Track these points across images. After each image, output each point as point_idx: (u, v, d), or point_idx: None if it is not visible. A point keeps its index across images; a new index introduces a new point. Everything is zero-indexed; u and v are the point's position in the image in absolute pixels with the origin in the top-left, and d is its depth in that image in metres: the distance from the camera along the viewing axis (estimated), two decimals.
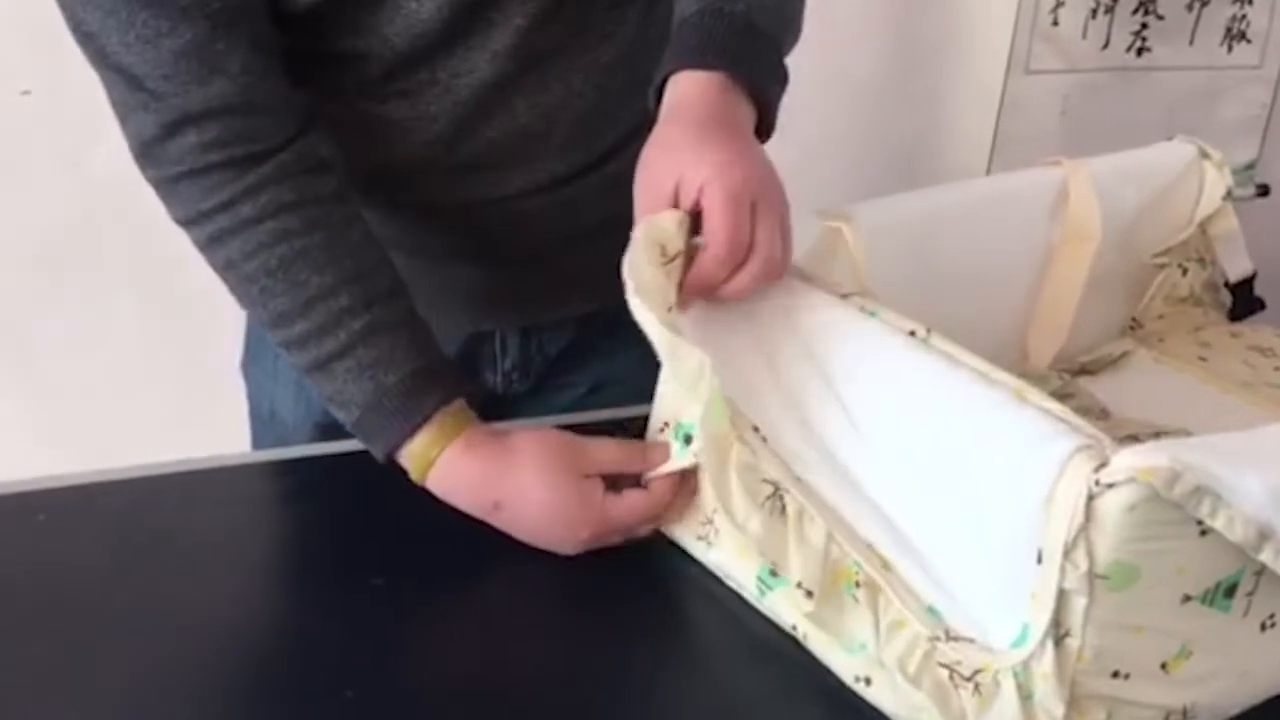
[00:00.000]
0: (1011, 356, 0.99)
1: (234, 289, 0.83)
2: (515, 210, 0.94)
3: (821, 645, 0.72)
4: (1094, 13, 1.88)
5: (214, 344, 1.40)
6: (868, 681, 0.69)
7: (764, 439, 0.76)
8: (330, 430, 1.01)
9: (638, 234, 0.74)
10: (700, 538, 0.80)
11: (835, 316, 0.75)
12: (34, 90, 1.54)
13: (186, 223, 0.82)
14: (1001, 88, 1.86)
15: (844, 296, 0.75)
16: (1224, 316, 1.10)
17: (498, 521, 0.81)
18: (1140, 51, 1.93)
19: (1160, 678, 0.64)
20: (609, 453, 0.80)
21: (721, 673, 0.76)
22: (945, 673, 0.66)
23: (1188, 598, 0.62)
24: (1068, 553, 0.59)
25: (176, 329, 1.68)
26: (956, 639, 0.66)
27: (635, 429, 0.85)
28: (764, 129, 0.81)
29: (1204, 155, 1.05)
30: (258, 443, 1.10)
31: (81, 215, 1.61)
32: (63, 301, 1.67)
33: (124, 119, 0.81)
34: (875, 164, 1.91)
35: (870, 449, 0.72)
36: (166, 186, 0.81)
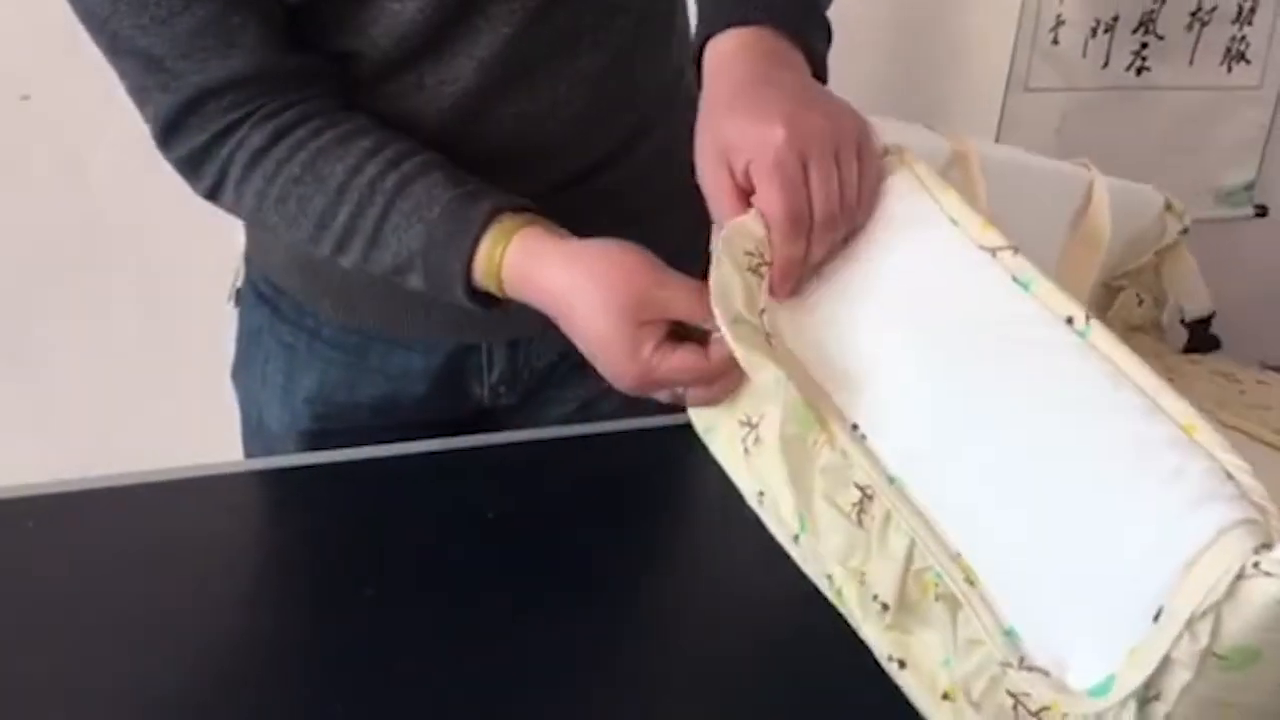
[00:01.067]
0: None
1: (274, 221, 0.82)
2: None
3: (855, 604, 0.67)
4: (1094, 31, 1.88)
5: (213, 349, 1.40)
6: (901, 665, 0.65)
7: (864, 435, 0.68)
8: (314, 437, 1.02)
9: (719, 241, 0.69)
10: (742, 440, 0.73)
11: (981, 283, 0.65)
12: (34, 95, 1.54)
13: (217, 183, 0.82)
14: (1001, 105, 1.86)
15: (994, 252, 0.66)
16: (1174, 350, 1.08)
17: (566, 330, 0.77)
18: (1140, 71, 1.94)
19: None
20: (681, 302, 0.73)
21: (717, 683, 0.76)
22: (1010, 701, 0.62)
23: None
24: (1191, 624, 0.55)
25: (175, 334, 1.68)
26: (1031, 669, 0.61)
27: (628, 443, 0.85)
28: (816, 72, 0.78)
29: (1168, 207, 1.02)
30: (248, 451, 1.10)
31: (80, 220, 1.61)
32: (61, 307, 1.66)
33: (143, 104, 0.81)
34: None
35: (997, 449, 0.64)
36: (194, 160, 0.82)
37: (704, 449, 0.93)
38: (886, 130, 0.74)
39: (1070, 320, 0.64)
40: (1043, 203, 0.91)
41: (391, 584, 0.81)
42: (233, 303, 1.09)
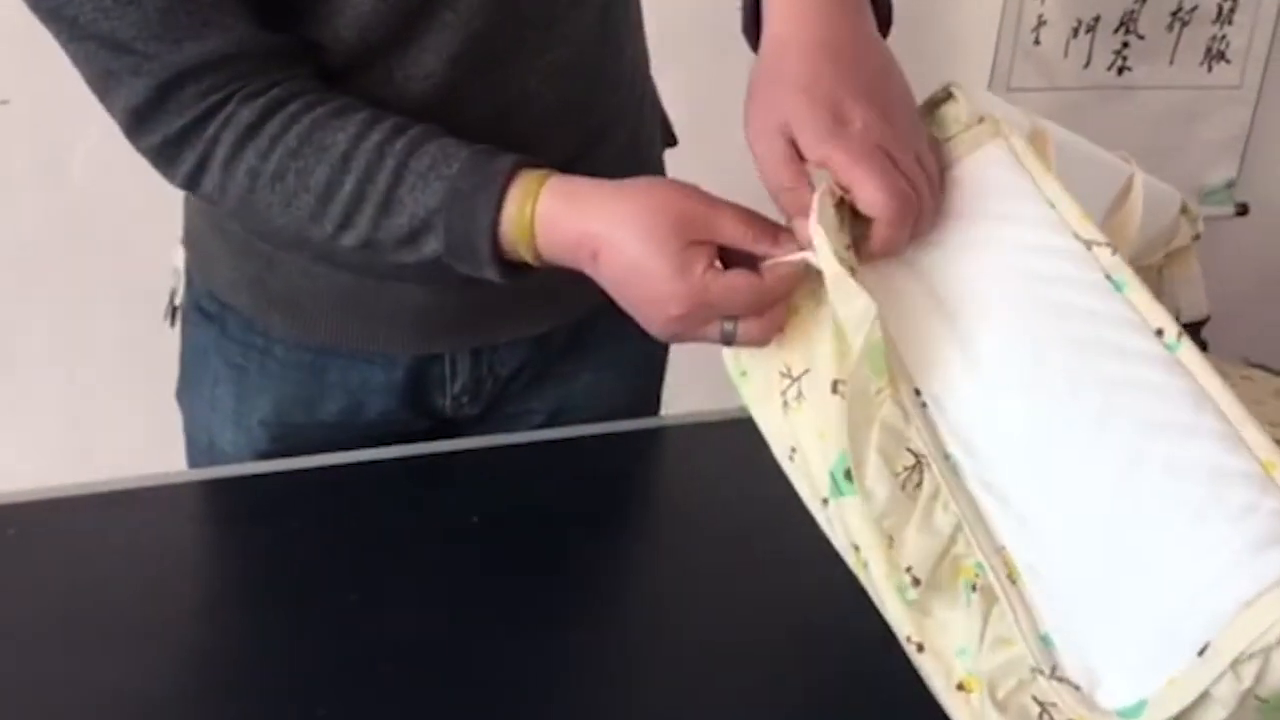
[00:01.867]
0: None
1: (270, 200, 0.78)
2: None
3: (881, 578, 0.64)
4: (1075, 32, 1.89)
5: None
6: (920, 648, 0.63)
7: (924, 404, 0.65)
8: (271, 459, 0.98)
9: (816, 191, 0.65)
10: (781, 393, 0.69)
11: (1074, 277, 0.63)
12: (13, 100, 1.53)
13: (199, 167, 0.77)
14: None
15: (1090, 244, 0.63)
16: None
17: (597, 275, 0.72)
18: (1121, 70, 1.95)
19: None
20: (731, 224, 0.68)
21: (704, 683, 0.76)
22: (1036, 709, 0.61)
23: None
24: (1237, 664, 0.54)
25: (156, 339, 1.67)
26: (1062, 680, 0.60)
27: (612, 446, 0.85)
28: (881, 22, 0.75)
29: (1184, 211, 1.02)
30: None
31: (61, 225, 1.60)
32: (41, 312, 1.65)
33: (108, 91, 0.76)
34: None
35: (1067, 451, 0.62)
36: (171, 146, 0.77)
37: (691, 450, 0.94)
38: (974, 99, 0.72)
39: (1160, 332, 0.62)
40: (1085, 189, 0.88)
41: (376, 588, 0.80)
42: (169, 320, 1.04)
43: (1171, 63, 1.97)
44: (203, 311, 0.99)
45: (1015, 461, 0.63)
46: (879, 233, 0.66)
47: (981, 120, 0.70)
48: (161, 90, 0.75)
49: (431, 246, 0.76)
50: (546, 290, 0.89)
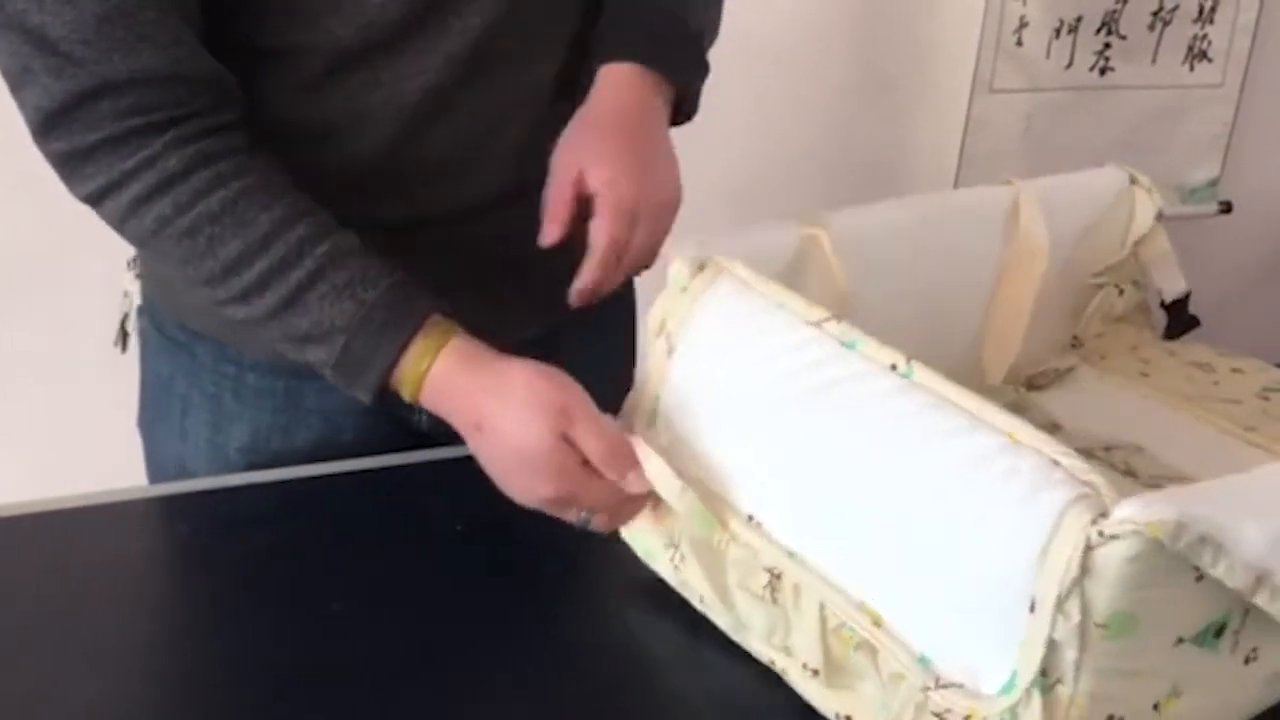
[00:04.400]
0: (967, 371, 1.00)
1: (170, 250, 0.77)
2: (452, 233, 0.92)
3: (796, 677, 0.73)
4: (1057, 32, 1.89)
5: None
6: (848, 719, 0.70)
7: (759, 524, 0.75)
8: None
9: (628, 403, 0.81)
10: (670, 560, 0.80)
11: (815, 355, 0.73)
12: None
13: (103, 191, 0.76)
14: (966, 107, 1.87)
15: (819, 324, 0.73)
16: (1156, 336, 1.11)
17: (475, 445, 0.78)
18: (1103, 71, 1.95)
19: (1152, 716, 0.63)
20: (594, 442, 0.75)
21: (687, 692, 0.76)
22: None
23: (1180, 640, 0.62)
24: (1061, 604, 0.59)
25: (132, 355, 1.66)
26: (946, 685, 0.65)
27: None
28: (684, 115, 0.91)
29: (1134, 181, 1.06)
30: None
31: (46, 238, 1.60)
32: (25, 324, 1.65)
33: (21, 86, 0.74)
34: (842, 183, 1.92)
35: (859, 498, 0.70)
36: (77, 158, 0.75)
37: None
38: (726, 234, 0.83)
39: (894, 366, 0.69)
40: (965, 230, 0.98)
41: (359, 598, 0.80)
42: (121, 347, 1.03)
43: (1154, 62, 1.98)
44: (170, 339, 0.97)
45: (830, 529, 0.72)
46: (585, 269, 0.82)
47: (703, 268, 0.79)
48: (79, 99, 0.73)
49: (319, 356, 0.77)
50: (531, 300, 0.89)
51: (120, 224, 0.77)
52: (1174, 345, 1.11)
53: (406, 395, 0.78)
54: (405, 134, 0.86)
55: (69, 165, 0.76)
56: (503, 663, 0.76)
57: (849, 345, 0.71)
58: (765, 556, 0.74)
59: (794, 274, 0.85)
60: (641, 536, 0.82)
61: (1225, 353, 1.10)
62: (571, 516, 0.77)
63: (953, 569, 0.65)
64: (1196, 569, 0.59)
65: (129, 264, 1.02)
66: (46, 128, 0.74)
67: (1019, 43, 1.87)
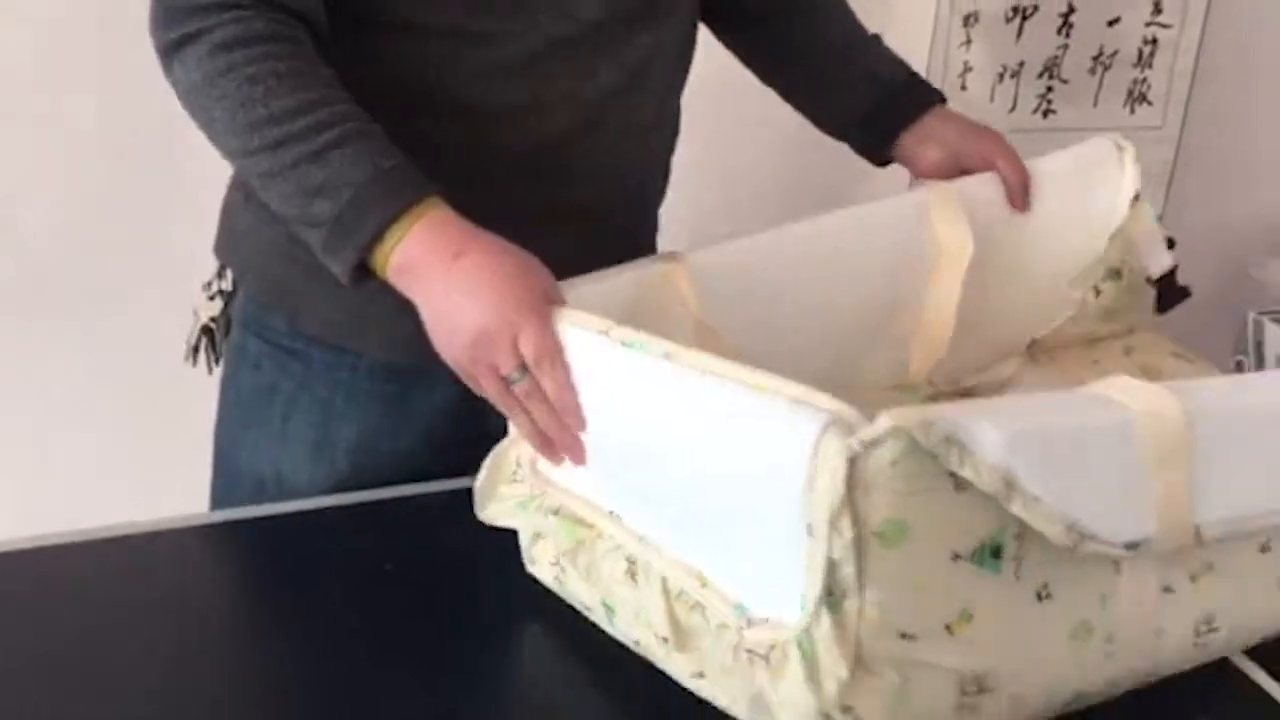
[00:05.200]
0: (893, 370, 1.05)
1: (228, 91, 0.84)
2: (579, 230, 0.96)
3: (659, 654, 0.79)
4: (1000, 77, 1.95)
5: (154, 394, 1.40)
6: (700, 675, 0.76)
7: (619, 516, 0.82)
8: (351, 488, 1.00)
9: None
10: (555, 578, 0.88)
11: (607, 359, 0.79)
12: None
13: (191, 36, 0.85)
14: None
15: (606, 333, 0.79)
16: (1149, 315, 1.14)
17: (443, 274, 0.82)
18: (1046, 113, 2.01)
19: (946, 638, 0.67)
20: (531, 339, 0.80)
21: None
22: (748, 656, 0.71)
23: (957, 556, 0.66)
24: (833, 522, 0.63)
25: (115, 377, 1.68)
26: (754, 623, 0.71)
27: None
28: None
29: (1119, 148, 1.09)
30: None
31: (15, 269, 1.63)
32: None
33: None
34: (798, 214, 1.95)
35: (663, 471, 0.77)
36: (181, 10, 0.85)
37: None
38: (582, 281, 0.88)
39: (668, 356, 0.75)
40: (880, 240, 1.05)
41: (290, 637, 0.82)
42: (192, 361, 1.07)
43: (1095, 105, 2.04)
44: (278, 347, 1.02)
45: (655, 512, 0.80)
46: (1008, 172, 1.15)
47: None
48: None
49: (323, 209, 0.82)
50: None
51: (194, 66, 0.85)
52: (1132, 343, 1.13)
53: (391, 242, 0.83)
54: (575, 128, 0.94)
55: (170, 12, 0.85)
56: (431, 700, 0.78)
57: (629, 345, 0.78)
58: (625, 545, 0.81)
59: (645, 310, 0.90)
60: (545, 568, 0.89)
61: (1184, 355, 1.12)
62: (505, 367, 0.81)
63: (742, 518, 0.71)
64: (954, 477, 0.63)
65: (203, 287, 1.07)
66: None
67: (963, 87, 1.93)
